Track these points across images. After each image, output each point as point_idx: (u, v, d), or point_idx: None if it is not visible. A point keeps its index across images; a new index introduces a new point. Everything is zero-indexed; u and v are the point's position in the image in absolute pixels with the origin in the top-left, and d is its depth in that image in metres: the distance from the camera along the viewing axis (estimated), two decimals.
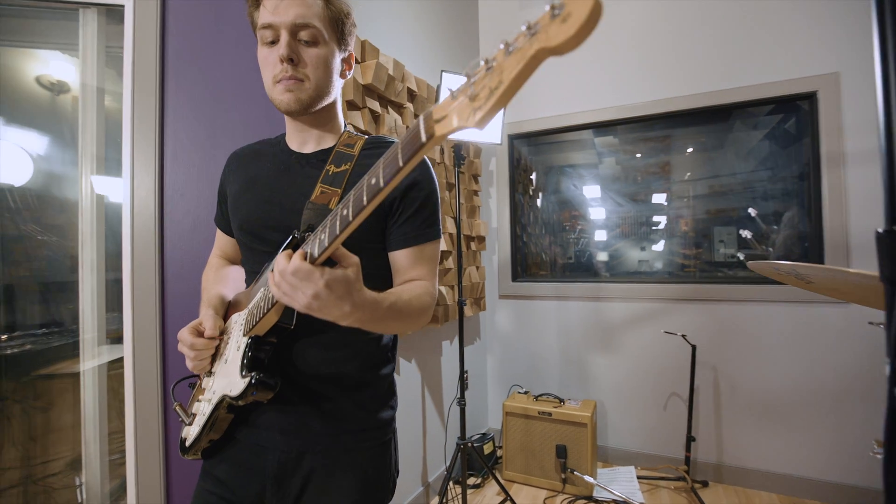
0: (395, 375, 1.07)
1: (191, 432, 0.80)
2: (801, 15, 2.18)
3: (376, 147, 0.91)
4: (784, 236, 2.50)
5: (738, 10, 2.30)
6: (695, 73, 2.41)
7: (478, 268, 2.67)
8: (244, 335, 0.76)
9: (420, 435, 2.08)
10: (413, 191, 0.85)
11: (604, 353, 2.60)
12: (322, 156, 0.89)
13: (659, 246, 3.41)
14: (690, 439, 2.22)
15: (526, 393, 2.50)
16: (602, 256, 3.51)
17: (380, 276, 0.87)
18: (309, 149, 0.90)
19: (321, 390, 0.82)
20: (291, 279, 0.59)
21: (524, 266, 3.07)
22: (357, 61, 1.73)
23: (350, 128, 0.97)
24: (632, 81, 2.53)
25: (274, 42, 0.81)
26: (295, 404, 0.80)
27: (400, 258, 0.85)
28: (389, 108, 1.91)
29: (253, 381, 0.69)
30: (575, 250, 3.90)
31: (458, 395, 1.99)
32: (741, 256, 2.70)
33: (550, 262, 3.64)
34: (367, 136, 0.93)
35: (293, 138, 0.91)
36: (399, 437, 0.94)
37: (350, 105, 1.68)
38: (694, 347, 2.25)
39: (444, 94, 1.74)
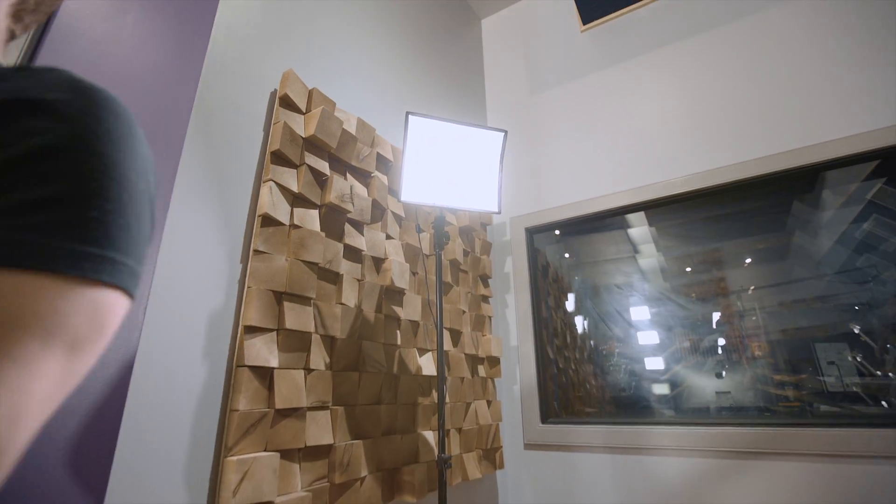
0: None
1: None
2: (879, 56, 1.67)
3: None
4: None
5: (800, 62, 1.82)
6: (751, 137, 1.86)
7: (489, 403, 1.89)
8: None
9: None
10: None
11: None
12: None
13: (740, 371, 2.73)
14: None
15: None
16: (665, 388, 2.79)
17: None
18: None
19: None
20: None
21: (562, 401, 2.25)
22: (301, 111, 1.30)
23: None
24: (671, 155, 2.00)
25: None
26: None
27: None
28: (349, 174, 1.43)
29: None
30: (630, 381, 3.13)
31: None
32: (855, 388, 1.87)
33: (599, 395, 2.96)
34: None
35: None
36: None
37: (276, 158, 1.19)
38: None
39: (410, 141, 1.25)
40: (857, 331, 2.20)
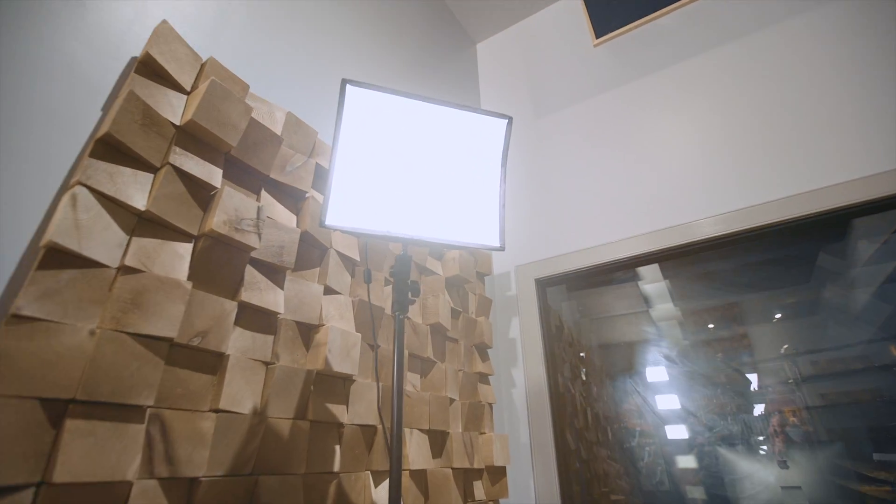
0: None
1: None
2: None
3: None
4: None
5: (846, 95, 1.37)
6: (803, 167, 1.37)
7: None
8: None
9: None
10: None
11: None
12: None
13: (808, 457, 2.29)
14: None
15: None
16: (714, 480, 2.38)
17: None
18: None
19: None
20: None
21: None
22: (181, 89, 0.80)
23: None
24: (713, 186, 1.51)
25: None
26: None
27: None
28: (267, 191, 0.91)
29: None
30: (668, 471, 2.58)
31: None
32: None
33: (635, 488, 2.50)
34: None
35: None
36: None
37: (105, 149, 0.68)
38: None
39: (345, 129, 0.74)
40: None
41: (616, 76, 1.95)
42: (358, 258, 1.07)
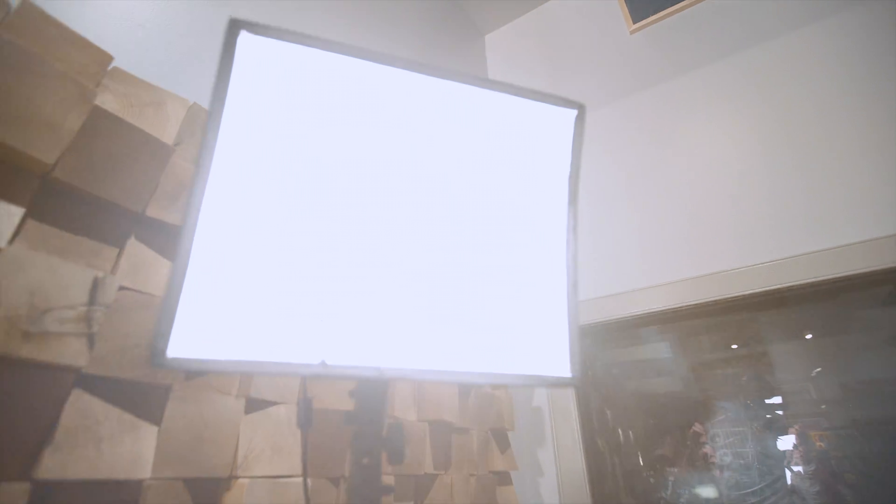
0: None
1: None
2: None
3: None
4: None
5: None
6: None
7: None
8: None
9: None
10: None
11: None
12: None
13: None
14: None
15: None
16: None
17: None
18: None
19: None
20: None
21: None
22: None
23: None
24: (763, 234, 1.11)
25: None
26: None
27: None
28: (139, 236, 0.51)
29: None
30: None
31: None
32: None
33: None
34: None
35: None
36: None
37: None
38: None
39: (234, 102, 0.35)
40: None
41: (658, 71, 1.56)
42: None
